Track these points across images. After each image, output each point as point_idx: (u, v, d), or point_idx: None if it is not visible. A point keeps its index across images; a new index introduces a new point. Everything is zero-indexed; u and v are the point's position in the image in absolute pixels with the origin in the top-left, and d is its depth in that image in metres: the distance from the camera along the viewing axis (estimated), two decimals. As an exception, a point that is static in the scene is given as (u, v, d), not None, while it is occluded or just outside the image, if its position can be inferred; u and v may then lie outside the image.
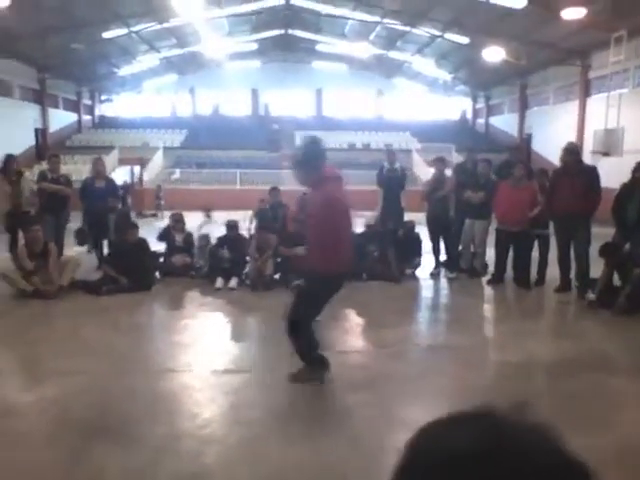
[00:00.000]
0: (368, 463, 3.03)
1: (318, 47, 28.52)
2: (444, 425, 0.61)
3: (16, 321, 5.88)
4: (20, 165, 8.58)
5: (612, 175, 8.89)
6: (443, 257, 8.18)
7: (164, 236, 8.03)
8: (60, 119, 25.14)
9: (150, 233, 8.31)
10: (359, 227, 8.68)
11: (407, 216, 8.63)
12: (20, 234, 7.56)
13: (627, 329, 5.54)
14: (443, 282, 7.86)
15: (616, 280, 6.41)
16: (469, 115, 31.52)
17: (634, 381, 4.26)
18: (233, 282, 7.20)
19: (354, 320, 6.38)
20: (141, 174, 18.96)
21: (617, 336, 5.44)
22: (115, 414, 3.61)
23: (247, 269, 7.30)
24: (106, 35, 20.36)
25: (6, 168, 7.88)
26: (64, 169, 9.64)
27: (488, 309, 6.80)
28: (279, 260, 7.60)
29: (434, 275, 8.01)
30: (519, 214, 7.04)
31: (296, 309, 3.97)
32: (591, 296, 6.37)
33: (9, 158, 7.97)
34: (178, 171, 22.17)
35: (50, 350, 4.95)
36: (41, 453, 3.17)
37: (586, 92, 19.16)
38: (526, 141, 23.47)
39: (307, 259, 4.07)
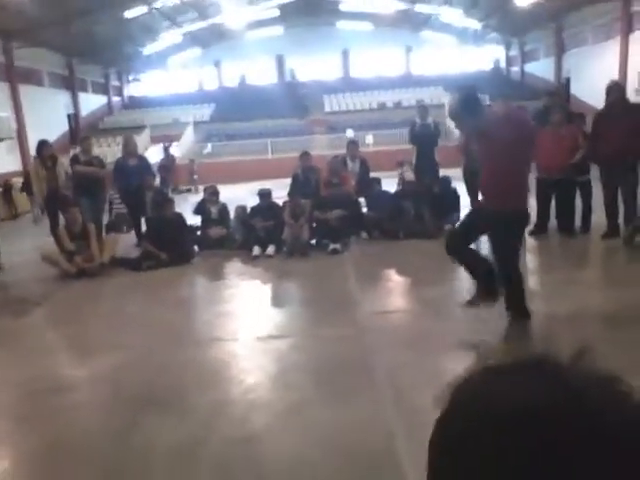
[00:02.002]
0: (413, 421, 2.99)
1: (341, 7, 27.77)
2: (494, 375, 0.52)
3: (63, 300, 6.04)
4: (55, 150, 8.72)
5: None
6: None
7: (200, 209, 8.07)
8: (90, 102, 25.43)
9: (186, 208, 8.36)
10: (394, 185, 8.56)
11: (443, 172, 8.41)
12: (60, 216, 7.73)
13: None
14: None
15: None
16: (503, 64, 30.35)
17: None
18: (270, 249, 7.21)
19: (394, 279, 6.31)
20: (168, 152, 18.86)
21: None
22: (165, 385, 3.67)
23: (283, 235, 7.28)
24: (128, 14, 20.33)
25: (40, 153, 8.02)
26: (98, 151, 9.75)
27: (532, 260, 6.57)
28: (314, 225, 7.56)
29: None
30: (560, 160, 6.72)
31: (502, 248, 4.06)
32: (641, 240, 6.11)
33: (42, 144, 8.10)
34: (210, 145, 22.19)
35: (98, 326, 5.07)
36: (96, 425, 3.26)
37: (629, 28, 18.11)
38: (564, 85, 22.51)
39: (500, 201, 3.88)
